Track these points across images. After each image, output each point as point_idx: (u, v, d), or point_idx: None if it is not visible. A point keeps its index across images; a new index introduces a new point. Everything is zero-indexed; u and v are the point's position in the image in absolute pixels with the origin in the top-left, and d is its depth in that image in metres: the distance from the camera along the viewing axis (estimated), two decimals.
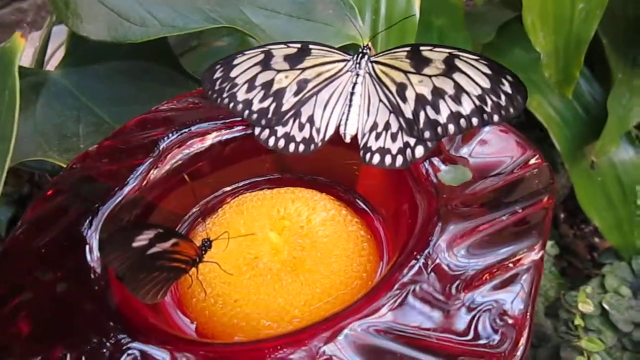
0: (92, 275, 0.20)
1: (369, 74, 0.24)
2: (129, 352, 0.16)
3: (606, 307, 0.41)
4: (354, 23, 0.30)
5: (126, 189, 0.23)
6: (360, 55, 0.24)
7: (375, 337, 0.16)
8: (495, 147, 0.22)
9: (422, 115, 0.22)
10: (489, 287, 0.16)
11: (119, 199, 0.23)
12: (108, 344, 0.17)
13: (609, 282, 0.47)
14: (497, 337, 0.15)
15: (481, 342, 0.15)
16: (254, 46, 0.25)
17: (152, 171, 0.24)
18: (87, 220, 0.22)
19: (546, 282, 0.50)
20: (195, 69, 0.42)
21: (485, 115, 0.21)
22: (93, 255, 0.21)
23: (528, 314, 0.15)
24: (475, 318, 0.15)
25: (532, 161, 0.21)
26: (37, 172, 0.49)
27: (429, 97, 0.22)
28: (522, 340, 0.15)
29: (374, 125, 0.23)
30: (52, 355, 0.17)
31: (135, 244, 0.18)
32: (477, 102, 0.21)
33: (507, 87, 0.21)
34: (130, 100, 0.38)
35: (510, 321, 0.15)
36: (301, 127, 0.24)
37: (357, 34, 0.31)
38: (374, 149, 0.23)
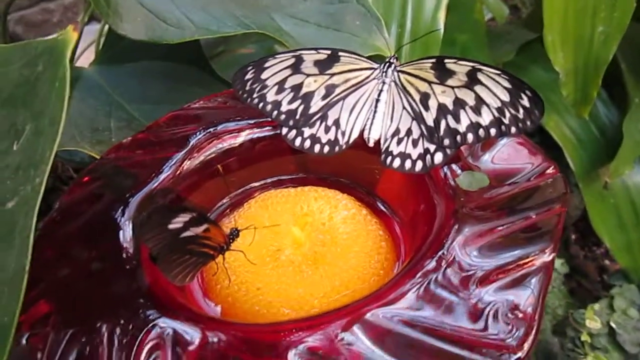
0: (125, 256, 0.21)
1: (395, 82, 0.25)
2: (161, 327, 0.18)
3: (614, 326, 0.42)
4: (381, 34, 0.31)
5: (159, 179, 0.25)
6: (387, 64, 0.26)
7: (392, 324, 0.17)
8: (513, 157, 0.23)
9: (443, 123, 0.23)
10: (502, 284, 0.17)
11: (151, 187, 0.24)
12: (141, 318, 0.18)
13: (617, 304, 0.47)
14: (507, 330, 0.16)
15: (493, 333, 0.16)
16: (285, 50, 0.27)
17: (185, 163, 0.25)
18: (121, 207, 0.24)
19: (555, 300, 0.51)
20: (222, 73, 0.43)
21: (503, 127, 0.22)
22: (126, 238, 0.22)
23: (538, 309, 0.16)
24: (488, 311, 0.16)
25: (548, 171, 0.22)
26: (60, 166, 0.51)
27: (451, 107, 0.23)
28: (532, 334, 0.16)
29: (397, 131, 0.25)
30: (88, 328, 0.18)
31: (171, 226, 0.19)
32: (496, 114, 0.22)
33: (525, 102, 0.22)
34: (160, 99, 0.39)
35: (520, 315, 0.16)
36: (327, 130, 0.26)
37: (383, 45, 0.32)
38: (395, 153, 0.24)
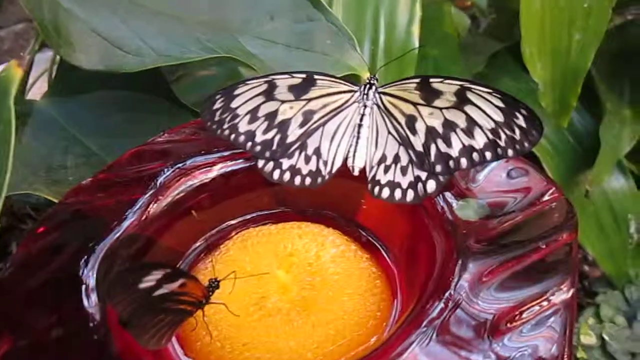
0: (91, 321, 0.19)
1: (377, 105, 0.24)
2: None
3: (606, 337, 0.41)
4: (357, 53, 0.30)
5: (124, 225, 0.22)
6: (368, 86, 0.24)
7: None
8: (512, 180, 0.21)
9: (433, 148, 0.22)
10: (519, 331, 0.15)
11: (117, 235, 0.21)
12: None
13: (604, 312, 0.46)
14: None
15: None
16: (256, 76, 0.25)
17: (151, 205, 0.23)
18: (83, 259, 0.21)
19: None
20: (183, 98, 0.41)
21: (499, 150, 0.21)
22: (91, 299, 0.19)
23: (565, 357, 0.14)
24: None
25: (549, 195, 0.20)
26: (14, 204, 0.47)
27: (440, 129, 0.22)
28: None
29: (383, 158, 0.23)
30: None
31: (142, 285, 0.16)
32: (491, 136, 0.21)
33: (521, 121, 0.20)
34: (121, 132, 0.37)
35: None
36: (307, 160, 0.24)
37: (357, 64, 0.31)
38: (382, 182, 0.22)
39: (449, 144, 0.21)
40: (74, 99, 0.39)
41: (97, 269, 0.20)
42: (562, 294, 0.16)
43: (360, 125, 0.24)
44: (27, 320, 0.19)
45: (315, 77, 0.24)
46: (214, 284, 0.19)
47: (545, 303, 0.16)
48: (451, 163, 0.21)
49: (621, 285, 0.50)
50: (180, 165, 0.25)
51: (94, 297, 0.19)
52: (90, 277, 0.20)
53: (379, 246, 0.24)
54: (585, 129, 0.47)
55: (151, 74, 0.38)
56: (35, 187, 0.31)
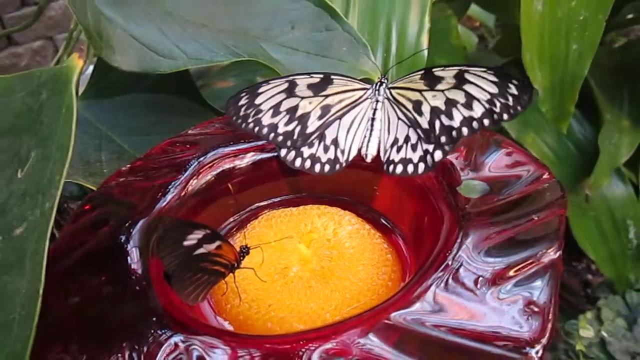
0: (134, 278, 0.21)
1: (387, 99, 0.26)
2: (185, 344, 0.17)
3: (605, 335, 0.42)
4: (370, 59, 0.32)
5: (166, 199, 0.25)
6: (379, 84, 0.27)
7: (410, 326, 0.17)
8: (509, 165, 0.24)
9: (437, 123, 0.24)
10: (514, 282, 0.18)
11: (160, 207, 0.24)
12: (162, 336, 0.18)
13: (604, 315, 0.48)
14: (525, 323, 0.16)
15: (511, 328, 0.16)
16: (279, 76, 0.28)
17: (188, 187, 0.25)
18: (125, 232, 0.24)
19: None
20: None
21: (495, 115, 0.23)
22: (134, 260, 0.22)
23: (552, 303, 0.17)
24: (504, 307, 0.17)
25: (544, 177, 0.23)
26: None
27: (443, 107, 0.24)
28: (548, 327, 0.16)
29: (395, 141, 0.25)
30: (107, 350, 0.18)
31: (186, 242, 0.19)
32: (487, 106, 0.23)
33: (513, 90, 0.23)
34: (150, 130, 0.40)
35: (536, 309, 0.17)
36: (326, 149, 0.26)
37: (370, 69, 0.33)
38: (396, 160, 0.25)
39: (450, 117, 0.24)
40: (106, 101, 0.42)
41: (141, 236, 0.23)
42: (550, 256, 0.18)
43: (373, 119, 0.26)
44: (80, 280, 0.22)
45: (332, 76, 0.27)
46: (245, 250, 0.22)
47: (534, 262, 0.18)
48: (454, 133, 0.24)
49: (622, 290, 0.52)
50: (211, 152, 0.27)
51: (136, 258, 0.22)
52: (132, 246, 0.23)
53: (390, 227, 0.27)
54: (585, 137, 0.50)
55: (179, 78, 0.41)
56: (74, 177, 0.34)
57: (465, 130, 0.24)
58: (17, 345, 0.18)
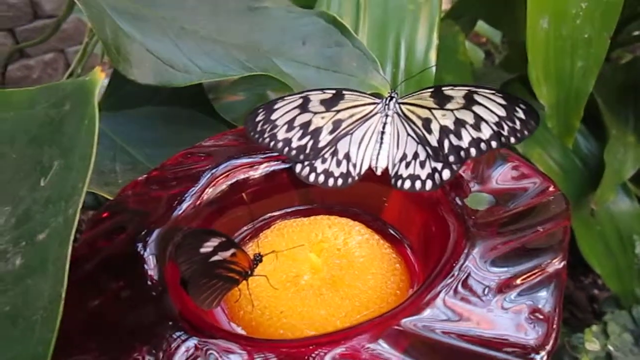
0: (151, 283, 0.22)
1: (397, 113, 0.27)
2: (202, 347, 0.18)
3: (611, 349, 0.43)
4: (380, 74, 0.33)
5: (175, 214, 0.26)
6: (389, 98, 0.28)
7: (420, 332, 0.18)
8: (515, 178, 0.25)
9: (446, 142, 0.25)
10: (520, 291, 0.18)
11: (176, 216, 0.25)
12: (179, 339, 0.19)
13: (611, 329, 0.48)
14: (530, 331, 0.17)
15: (517, 335, 0.17)
16: (294, 92, 0.28)
17: (203, 196, 0.26)
18: (142, 240, 0.24)
19: None
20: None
21: (502, 138, 0.24)
22: (150, 267, 0.23)
23: (556, 310, 0.17)
24: (510, 315, 0.18)
25: (549, 190, 0.23)
26: None
27: (452, 127, 0.25)
28: (553, 334, 0.17)
29: (404, 156, 0.26)
30: (126, 351, 0.19)
31: (202, 249, 0.20)
32: (495, 128, 0.24)
33: (520, 114, 0.24)
34: (164, 142, 0.41)
35: (541, 317, 0.17)
36: (339, 164, 0.27)
37: (379, 84, 0.34)
38: (405, 176, 0.26)
39: (459, 137, 0.25)
40: (121, 113, 0.43)
41: (158, 243, 0.23)
42: (555, 265, 0.19)
43: (383, 133, 0.27)
44: (100, 284, 0.22)
45: (344, 92, 0.28)
46: (258, 258, 0.23)
47: (539, 271, 0.19)
48: (462, 153, 0.25)
49: (629, 305, 0.52)
50: (227, 163, 0.28)
51: (152, 264, 0.22)
52: (149, 254, 0.24)
53: (399, 238, 0.27)
54: (591, 153, 0.50)
55: (193, 92, 0.42)
56: (90, 187, 0.35)
57: (473, 151, 0.24)
58: (39, 347, 0.19)
